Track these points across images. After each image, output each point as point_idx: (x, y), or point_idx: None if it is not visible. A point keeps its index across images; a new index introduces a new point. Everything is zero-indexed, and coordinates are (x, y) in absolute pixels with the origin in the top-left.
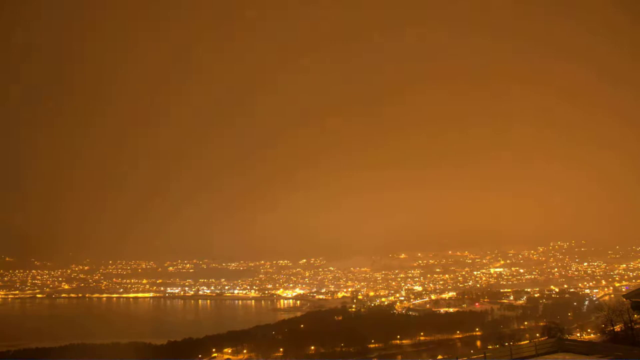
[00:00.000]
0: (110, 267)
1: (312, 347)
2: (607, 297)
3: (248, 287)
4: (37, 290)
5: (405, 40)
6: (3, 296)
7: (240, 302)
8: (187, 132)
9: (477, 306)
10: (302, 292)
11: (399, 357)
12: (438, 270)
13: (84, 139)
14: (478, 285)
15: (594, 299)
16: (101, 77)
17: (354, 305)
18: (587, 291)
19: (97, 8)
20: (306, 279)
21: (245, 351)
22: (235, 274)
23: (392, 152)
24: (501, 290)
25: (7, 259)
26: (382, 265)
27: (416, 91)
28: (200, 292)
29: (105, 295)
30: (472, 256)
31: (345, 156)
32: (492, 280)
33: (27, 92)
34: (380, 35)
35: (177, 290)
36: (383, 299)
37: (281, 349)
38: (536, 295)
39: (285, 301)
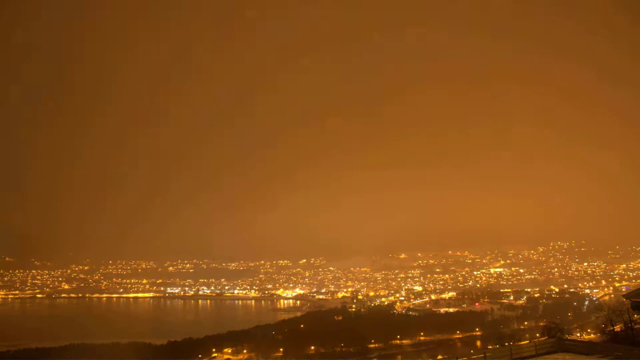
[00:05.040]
0: (110, 267)
1: (312, 347)
2: (607, 297)
3: (248, 287)
4: (37, 290)
5: (405, 40)
6: (3, 296)
7: (240, 302)
8: (187, 132)
9: (477, 306)
10: (302, 292)
11: (399, 357)
12: (438, 270)
13: (84, 139)
14: (478, 285)
15: (594, 299)
16: (101, 77)
17: (354, 305)
18: (587, 291)
19: (97, 8)
20: (306, 279)
21: (245, 351)
22: (235, 274)
23: (392, 152)
24: (501, 290)
25: (7, 259)
26: (382, 265)
27: (416, 91)
28: (200, 292)
29: (105, 295)
30: (472, 256)
31: (345, 156)
32: (492, 280)
33: (27, 92)
34: (380, 35)
35: (177, 290)
36: (383, 299)
37: (281, 349)
38: (536, 295)
39: (285, 301)
